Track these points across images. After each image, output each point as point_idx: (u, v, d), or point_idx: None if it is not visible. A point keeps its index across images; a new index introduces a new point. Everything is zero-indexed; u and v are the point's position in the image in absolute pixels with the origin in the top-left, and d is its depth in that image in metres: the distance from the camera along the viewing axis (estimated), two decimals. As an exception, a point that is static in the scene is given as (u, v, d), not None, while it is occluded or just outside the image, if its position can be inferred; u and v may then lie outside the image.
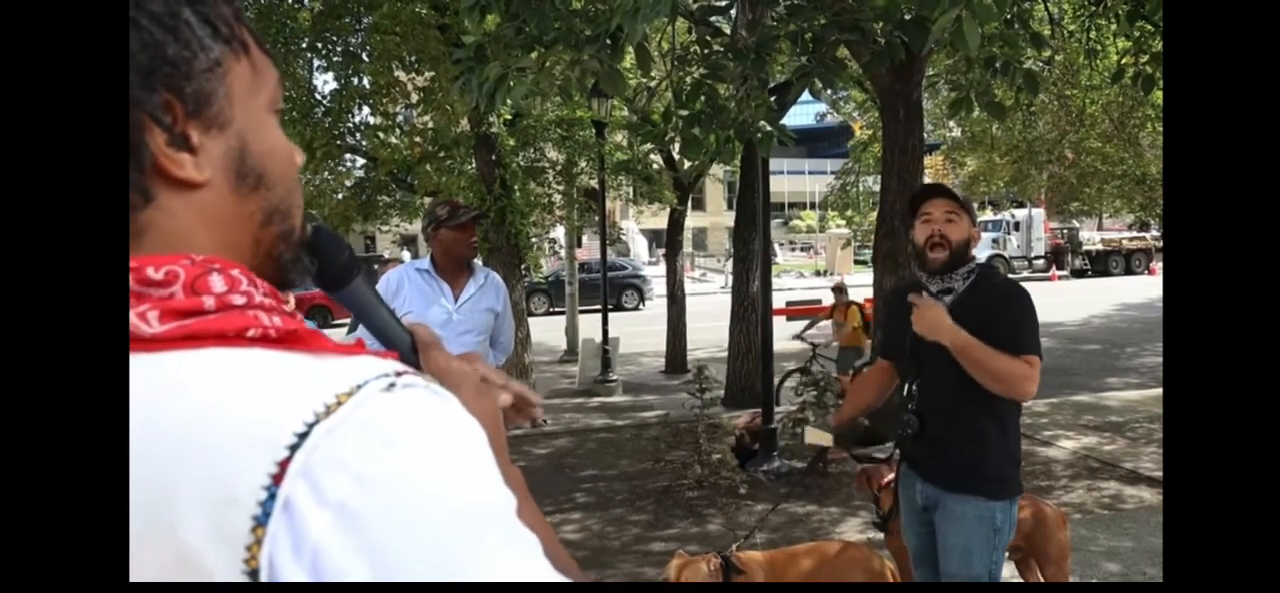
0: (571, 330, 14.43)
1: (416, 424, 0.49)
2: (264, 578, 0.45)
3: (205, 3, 0.56)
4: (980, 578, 2.41)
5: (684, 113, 3.23)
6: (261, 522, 0.45)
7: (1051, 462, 6.21)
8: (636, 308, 22.80)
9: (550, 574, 0.51)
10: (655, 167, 12.74)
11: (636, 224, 36.34)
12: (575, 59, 2.62)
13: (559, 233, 14.64)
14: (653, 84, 4.37)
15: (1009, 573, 3.24)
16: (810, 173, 48.91)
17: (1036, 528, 3.15)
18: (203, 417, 0.47)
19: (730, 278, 11.83)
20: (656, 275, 23.06)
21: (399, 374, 0.51)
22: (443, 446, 0.49)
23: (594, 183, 11.79)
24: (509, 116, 8.04)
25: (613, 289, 18.17)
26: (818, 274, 34.30)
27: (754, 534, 3.65)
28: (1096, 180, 14.38)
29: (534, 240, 8.83)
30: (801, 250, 47.43)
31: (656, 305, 20.33)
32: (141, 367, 0.49)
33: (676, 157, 12.47)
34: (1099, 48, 8.82)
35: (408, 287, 3.14)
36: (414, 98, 8.02)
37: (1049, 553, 3.18)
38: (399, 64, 7.33)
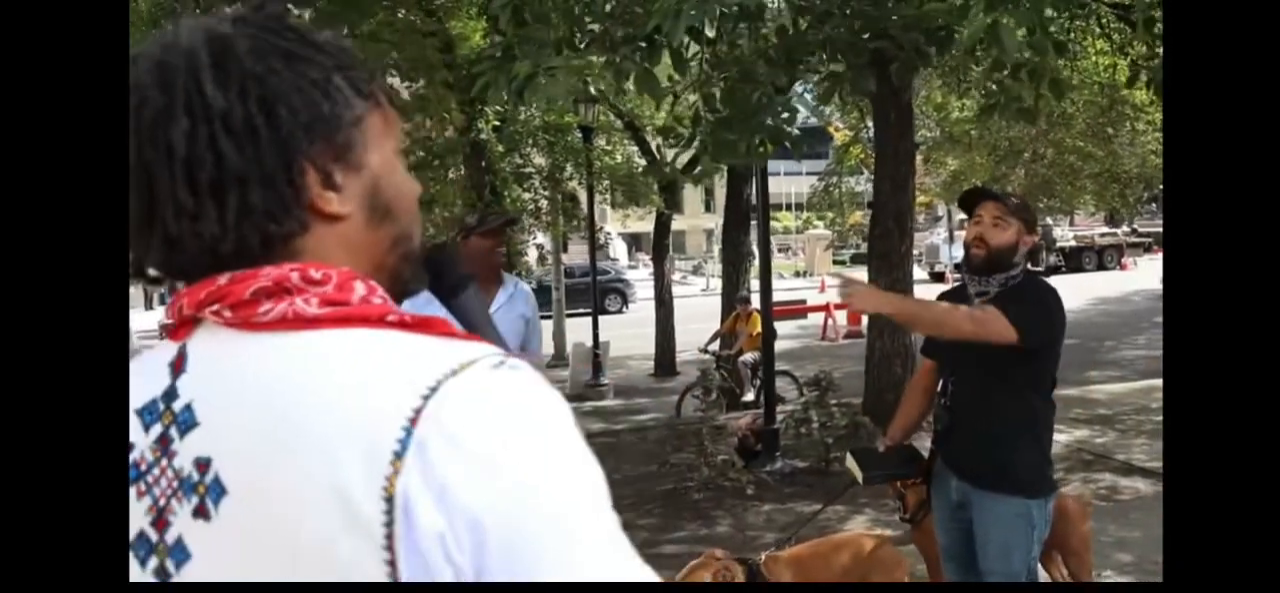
0: (559, 335, 14.38)
1: (518, 393, 0.60)
2: (399, 504, 0.55)
3: (351, 69, 0.67)
4: (1019, 575, 2.44)
5: (711, 116, 3.26)
6: (399, 456, 0.55)
7: (1048, 455, 6.29)
8: (620, 312, 22.73)
9: (633, 554, 0.61)
10: (638, 168, 12.73)
11: (615, 228, 36.27)
12: (610, 61, 2.64)
13: (543, 238, 14.59)
14: (677, 88, 4.40)
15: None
16: (785, 174, 49.15)
17: (1059, 520, 3.16)
18: (357, 379, 0.59)
19: (711, 280, 11.84)
20: (638, 279, 23.02)
21: (508, 354, 0.63)
22: (539, 413, 0.60)
23: (579, 187, 11.77)
24: (496, 122, 8.02)
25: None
26: (797, 274, 34.50)
27: (790, 539, 3.65)
28: (1073, 177, 14.64)
29: (520, 246, 8.81)
30: (779, 251, 47.74)
31: (639, 309, 20.30)
32: (302, 340, 0.61)
33: (658, 156, 12.45)
34: (1079, 49, 9.01)
35: None
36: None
37: (1071, 545, 3.21)
38: (393, 71, 7.27)
